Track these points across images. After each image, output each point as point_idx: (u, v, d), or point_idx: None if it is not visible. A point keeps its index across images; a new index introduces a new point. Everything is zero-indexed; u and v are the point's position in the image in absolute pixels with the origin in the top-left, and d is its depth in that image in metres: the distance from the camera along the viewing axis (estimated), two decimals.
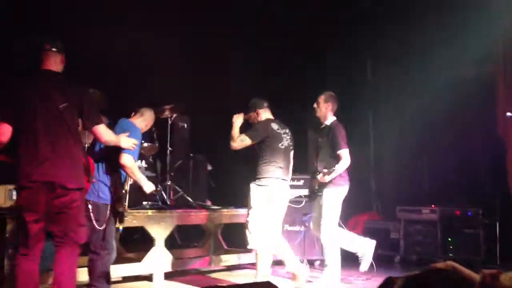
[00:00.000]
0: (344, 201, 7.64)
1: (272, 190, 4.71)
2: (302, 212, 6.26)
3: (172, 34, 6.70)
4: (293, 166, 5.05)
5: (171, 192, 6.04)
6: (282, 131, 4.84)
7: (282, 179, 4.78)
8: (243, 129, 4.89)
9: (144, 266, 5.10)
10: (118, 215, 4.03)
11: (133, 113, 4.35)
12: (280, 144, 4.77)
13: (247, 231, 4.74)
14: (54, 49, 3.47)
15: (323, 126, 5.18)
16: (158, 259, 5.16)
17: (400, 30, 7.42)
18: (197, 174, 6.56)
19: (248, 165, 7.23)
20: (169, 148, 6.17)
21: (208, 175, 6.81)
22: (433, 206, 6.42)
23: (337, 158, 4.95)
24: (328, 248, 5.04)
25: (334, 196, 5.05)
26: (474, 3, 6.22)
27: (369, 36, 7.90)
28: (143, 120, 4.32)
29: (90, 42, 5.95)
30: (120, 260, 5.06)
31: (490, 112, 6.19)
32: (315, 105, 5.19)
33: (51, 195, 3.29)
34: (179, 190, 6.09)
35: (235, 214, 6.02)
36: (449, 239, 6.20)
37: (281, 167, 4.75)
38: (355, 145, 7.96)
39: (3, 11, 5.54)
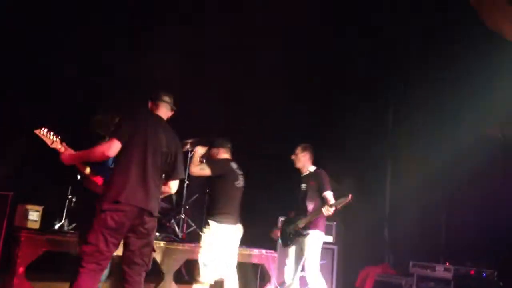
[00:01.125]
0: (355, 251, 7.60)
1: (219, 236, 4.81)
2: None
3: (198, 70, 6.82)
4: None
5: (184, 226, 6.01)
6: (239, 171, 5.08)
7: (230, 224, 4.89)
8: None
9: None
10: None
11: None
12: (236, 183, 5.00)
13: (201, 264, 4.78)
14: (169, 102, 3.99)
15: (305, 174, 5.49)
16: None
17: (426, 80, 7.48)
18: None
19: (263, 203, 7.27)
20: (186, 182, 6.17)
21: None
22: (447, 264, 6.29)
23: (322, 200, 5.21)
24: None
25: (320, 239, 5.25)
26: (504, 63, 6.26)
27: (392, 84, 7.97)
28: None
29: (116, 70, 6.10)
30: None
31: None
32: (293, 157, 5.54)
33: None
34: (192, 224, 6.06)
35: (246, 253, 5.96)
36: None
37: (229, 213, 4.91)
38: (371, 195, 7.97)
39: None
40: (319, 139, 7.98)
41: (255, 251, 5.98)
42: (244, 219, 7.32)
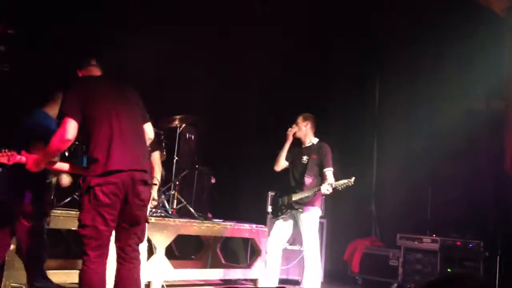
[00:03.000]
0: (343, 225, 7.70)
1: None
2: None
3: (189, 47, 6.76)
4: None
5: (175, 202, 6.02)
6: None
7: None
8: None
9: (143, 273, 5.03)
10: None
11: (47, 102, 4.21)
12: None
13: None
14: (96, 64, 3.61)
15: (308, 145, 5.25)
16: (158, 268, 5.12)
17: (410, 57, 7.51)
18: (201, 186, 6.57)
19: (252, 179, 7.30)
20: (176, 158, 6.17)
21: (211, 188, 6.81)
22: (434, 235, 6.41)
23: (322, 176, 5.02)
24: (313, 270, 4.96)
25: (317, 215, 5.10)
26: (489, 36, 6.31)
27: (377, 60, 7.99)
28: (58, 103, 3.93)
29: (105, 49, 6.00)
30: None
31: (498, 147, 6.22)
32: (293, 126, 5.29)
33: None
34: (182, 200, 6.07)
35: (237, 228, 6.00)
36: (449, 269, 6.17)
37: None
38: (357, 169, 8.03)
39: None
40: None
41: (246, 226, 6.01)
42: (234, 195, 7.41)
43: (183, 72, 6.91)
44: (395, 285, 6.56)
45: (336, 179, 4.90)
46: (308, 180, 5.04)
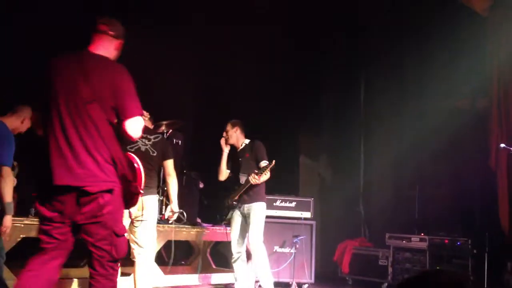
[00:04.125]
0: (332, 226, 7.73)
1: None
2: (293, 234, 6.27)
3: (176, 53, 6.75)
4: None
5: (163, 208, 5.99)
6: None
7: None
8: None
9: (133, 280, 5.01)
10: None
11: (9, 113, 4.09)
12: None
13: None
14: (111, 33, 3.04)
15: (241, 147, 5.40)
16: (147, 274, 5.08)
17: (395, 58, 7.58)
18: (189, 191, 6.54)
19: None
20: None
21: (200, 193, 6.80)
22: (422, 234, 6.46)
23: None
24: (260, 260, 5.08)
25: (263, 209, 5.21)
26: (472, 36, 6.39)
27: (363, 61, 8.05)
28: (18, 117, 4.07)
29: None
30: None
31: (483, 144, 6.29)
32: (224, 134, 5.44)
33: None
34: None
35: (226, 232, 5.97)
36: (438, 267, 6.22)
37: None
38: (345, 169, 8.10)
39: None
40: (295, 120, 8.08)
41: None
42: (223, 199, 7.38)
43: (169, 77, 6.89)
44: (385, 284, 6.60)
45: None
46: (243, 177, 5.18)
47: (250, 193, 5.16)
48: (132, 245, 4.41)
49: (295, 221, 6.41)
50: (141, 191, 3.04)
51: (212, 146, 7.62)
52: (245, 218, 5.20)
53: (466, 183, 6.70)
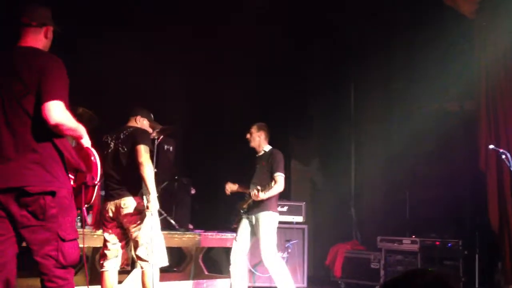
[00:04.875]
0: (324, 230, 7.74)
1: None
2: (285, 239, 6.27)
3: (167, 59, 6.75)
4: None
5: None
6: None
7: None
8: None
9: (125, 287, 5.01)
10: None
11: None
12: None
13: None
14: (34, 24, 2.87)
15: (260, 154, 5.24)
16: (139, 281, 5.06)
17: (384, 60, 7.64)
18: (181, 197, 6.54)
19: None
20: (154, 170, 6.12)
21: (191, 199, 6.79)
22: (413, 236, 6.49)
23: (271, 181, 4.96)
24: (276, 272, 4.95)
25: (270, 219, 5.02)
26: (459, 38, 6.46)
27: (352, 63, 8.09)
28: None
29: (85, 59, 5.94)
30: (99, 281, 4.96)
31: (473, 146, 6.35)
32: (248, 136, 5.26)
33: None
34: (163, 212, 6.03)
35: (218, 238, 5.98)
36: (429, 269, 6.24)
37: None
38: (336, 173, 8.13)
39: None
40: (287, 122, 8.10)
41: (228, 235, 6.01)
42: (215, 205, 7.39)
43: (159, 82, 6.89)
44: (378, 287, 6.62)
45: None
46: (252, 187, 5.00)
47: (258, 203, 4.98)
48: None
49: (287, 225, 6.42)
50: (96, 183, 2.91)
51: (203, 152, 7.66)
52: (253, 227, 5.05)
53: (456, 184, 6.75)
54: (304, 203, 6.61)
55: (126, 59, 6.36)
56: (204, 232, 5.95)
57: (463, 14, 6.30)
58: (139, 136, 4.25)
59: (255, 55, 7.46)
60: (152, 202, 4.08)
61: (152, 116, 4.73)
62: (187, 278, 6.21)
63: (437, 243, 6.30)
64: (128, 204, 4.18)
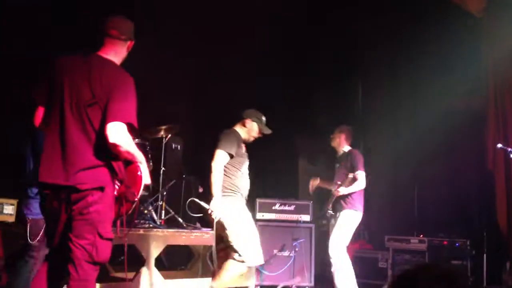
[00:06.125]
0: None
1: None
2: (292, 237, 6.29)
3: (174, 57, 6.77)
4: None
5: (162, 212, 6.02)
6: None
7: None
8: None
9: (134, 285, 5.03)
10: None
11: None
12: None
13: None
14: (122, 37, 3.05)
15: (340, 154, 5.63)
16: (148, 279, 5.10)
17: (390, 59, 7.62)
18: (189, 195, 6.54)
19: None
20: (163, 168, 6.16)
21: (199, 197, 6.79)
22: (421, 236, 6.47)
23: (353, 181, 5.29)
24: (339, 269, 5.17)
25: (351, 217, 5.34)
26: (467, 35, 6.43)
27: (361, 65, 8.07)
28: None
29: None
30: (108, 279, 5.01)
31: (481, 144, 6.32)
32: (331, 136, 5.68)
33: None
34: (170, 210, 6.07)
35: None
36: (439, 264, 6.22)
37: None
38: None
39: None
40: (293, 121, 8.10)
41: None
42: None
43: (167, 81, 6.91)
44: (385, 286, 6.60)
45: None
46: (334, 187, 5.36)
47: (341, 202, 5.36)
48: None
49: (294, 224, 6.43)
50: (136, 199, 3.03)
51: (211, 151, 7.66)
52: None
53: (464, 183, 6.73)
54: (311, 202, 6.61)
55: (134, 57, 6.38)
56: (211, 230, 5.95)
57: (471, 12, 6.28)
58: (220, 140, 4.57)
59: (262, 54, 7.48)
60: (211, 206, 4.39)
61: (264, 119, 4.87)
62: (194, 276, 6.23)
63: (445, 242, 6.28)
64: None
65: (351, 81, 8.29)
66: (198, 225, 6.48)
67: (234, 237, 4.46)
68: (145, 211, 5.86)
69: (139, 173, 3.06)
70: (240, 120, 4.82)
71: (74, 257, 2.82)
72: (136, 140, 5.88)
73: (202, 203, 4.60)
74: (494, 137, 6.04)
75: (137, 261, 5.25)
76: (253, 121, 4.77)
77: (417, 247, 6.43)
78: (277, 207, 6.50)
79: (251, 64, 7.46)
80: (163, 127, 6.14)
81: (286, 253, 6.33)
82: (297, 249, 6.19)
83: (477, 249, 6.08)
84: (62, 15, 5.74)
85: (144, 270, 5.09)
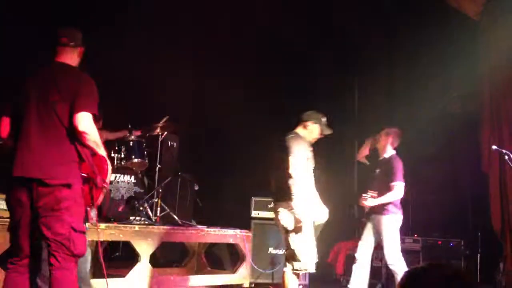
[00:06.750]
0: (327, 229, 7.74)
1: None
2: None
3: (170, 55, 6.78)
4: None
5: (158, 209, 6.02)
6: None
7: None
8: None
9: (128, 281, 5.04)
10: None
11: None
12: None
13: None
14: (71, 44, 3.34)
15: (381, 158, 5.41)
16: (142, 275, 5.11)
17: (386, 61, 7.64)
18: (184, 193, 6.57)
19: (235, 184, 7.32)
20: (158, 166, 6.17)
21: (195, 195, 6.82)
22: (416, 235, 6.50)
23: (389, 189, 5.12)
24: (399, 272, 5.13)
25: (392, 223, 5.23)
26: (462, 40, 6.46)
27: (356, 68, 8.09)
28: None
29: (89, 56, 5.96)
30: (102, 275, 5.00)
31: (476, 146, 6.35)
32: (377, 137, 5.47)
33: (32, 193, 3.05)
34: (166, 207, 6.08)
35: (221, 234, 6.01)
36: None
37: None
38: (339, 172, 8.13)
39: None
40: (289, 123, 8.10)
41: (230, 231, 6.04)
42: (218, 201, 7.42)
43: (163, 78, 6.91)
44: (379, 285, 6.62)
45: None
46: (372, 193, 5.20)
47: (377, 207, 5.18)
48: None
49: None
50: (105, 186, 3.26)
51: (207, 148, 7.69)
52: (374, 229, 5.29)
53: (459, 184, 6.77)
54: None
55: (133, 56, 6.40)
56: (207, 227, 5.98)
57: (467, 15, 6.31)
58: (289, 146, 4.45)
59: (260, 57, 7.51)
60: (298, 212, 4.32)
61: (324, 120, 4.82)
62: (189, 273, 6.25)
63: (439, 242, 6.32)
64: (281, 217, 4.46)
65: (347, 82, 8.31)
66: (193, 222, 6.50)
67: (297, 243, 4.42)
68: (141, 208, 5.86)
69: (106, 164, 3.28)
70: (301, 122, 4.77)
71: (52, 250, 3.02)
72: (132, 137, 5.92)
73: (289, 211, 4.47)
74: (489, 139, 6.07)
75: (132, 258, 5.27)
76: (314, 123, 4.73)
77: (411, 246, 6.47)
78: (272, 205, 6.49)
79: (251, 67, 7.48)
80: (159, 124, 6.13)
81: (281, 251, 6.34)
82: None
83: (471, 249, 6.11)
84: None
85: (138, 266, 5.10)
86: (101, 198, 3.28)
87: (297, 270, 4.46)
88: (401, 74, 7.55)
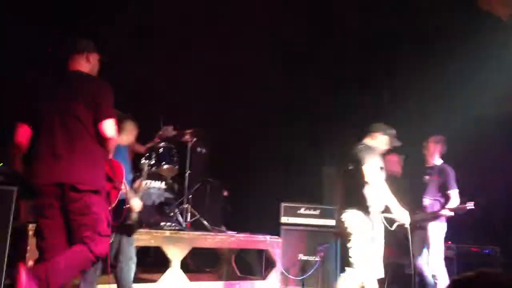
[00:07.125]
0: None
1: None
2: (317, 242, 6.26)
3: (198, 61, 6.83)
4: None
5: (188, 215, 6.05)
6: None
7: None
8: None
9: (159, 287, 5.07)
10: None
11: None
12: None
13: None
14: (78, 51, 3.46)
15: (431, 165, 5.62)
16: (173, 281, 5.14)
17: (419, 64, 7.51)
18: (214, 198, 6.60)
19: (265, 190, 7.30)
20: (188, 171, 6.21)
21: (224, 201, 6.84)
22: (449, 242, 6.36)
23: (444, 196, 5.39)
24: (441, 279, 5.27)
25: (438, 230, 5.39)
26: (497, 42, 6.32)
27: (386, 73, 7.99)
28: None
29: (114, 64, 6.04)
30: (134, 280, 5.04)
31: (510, 152, 6.20)
32: (424, 144, 5.69)
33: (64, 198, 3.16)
34: (196, 213, 6.10)
35: (251, 240, 6.01)
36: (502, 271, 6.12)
37: None
38: None
39: None
40: (318, 128, 8.08)
41: (260, 237, 6.03)
42: (248, 207, 7.41)
43: (193, 84, 6.96)
44: None
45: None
46: (425, 200, 5.45)
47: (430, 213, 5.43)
48: None
49: (319, 229, 6.40)
50: (123, 188, 3.53)
51: (236, 155, 7.68)
52: (420, 236, 5.46)
53: (494, 190, 6.60)
54: (336, 207, 6.57)
55: (160, 62, 6.46)
56: (237, 234, 5.99)
57: (499, 17, 6.19)
58: (362, 157, 4.53)
59: (285, 58, 7.48)
60: (400, 218, 4.62)
61: (392, 132, 4.89)
62: (219, 279, 6.26)
63: (474, 249, 6.17)
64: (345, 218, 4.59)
65: (377, 87, 8.22)
66: (223, 228, 6.51)
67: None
68: (171, 214, 5.91)
69: (121, 167, 3.57)
70: (369, 133, 4.84)
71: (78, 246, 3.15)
72: (162, 143, 5.96)
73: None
74: None
75: (163, 263, 5.30)
76: (382, 134, 4.79)
77: (445, 253, 6.30)
78: (302, 211, 6.48)
79: (277, 72, 7.46)
80: (188, 131, 6.18)
81: (311, 258, 6.31)
82: (322, 254, 6.15)
83: (507, 257, 5.95)
84: None
85: (170, 272, 5.13)
86: (117, 198, 3.48)
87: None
88: (433, 77, 7.41)
